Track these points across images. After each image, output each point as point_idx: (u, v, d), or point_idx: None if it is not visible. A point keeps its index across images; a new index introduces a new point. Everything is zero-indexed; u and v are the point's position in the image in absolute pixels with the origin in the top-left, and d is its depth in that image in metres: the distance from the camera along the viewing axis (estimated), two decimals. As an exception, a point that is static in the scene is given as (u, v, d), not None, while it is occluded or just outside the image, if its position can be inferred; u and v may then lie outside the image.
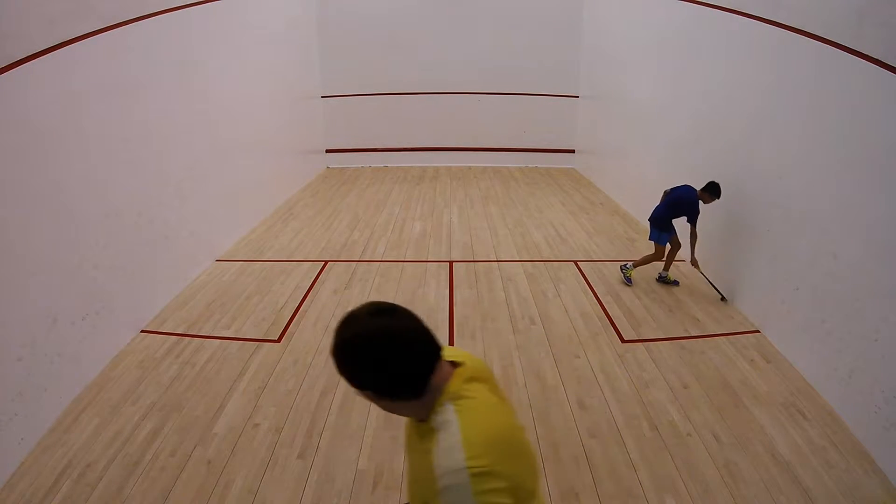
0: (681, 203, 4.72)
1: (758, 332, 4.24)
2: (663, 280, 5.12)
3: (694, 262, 4.83)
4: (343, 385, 3.57)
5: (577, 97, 9.63)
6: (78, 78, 3.53)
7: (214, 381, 3.63)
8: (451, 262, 5.63)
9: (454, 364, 1.18)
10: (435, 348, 1.11)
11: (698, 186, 4.69)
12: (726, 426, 3.19)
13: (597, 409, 3.35)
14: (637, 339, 4.17)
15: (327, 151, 10.06)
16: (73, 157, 3.50)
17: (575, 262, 5.62)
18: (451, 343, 4.08)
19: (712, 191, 4.58)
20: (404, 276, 5.29)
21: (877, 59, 3.11)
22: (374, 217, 7.16)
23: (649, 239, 5.03)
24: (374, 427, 3.20)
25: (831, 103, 3.52)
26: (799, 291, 3.80)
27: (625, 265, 5.16)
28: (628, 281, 5.07)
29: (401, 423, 3.26)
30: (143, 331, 4.24)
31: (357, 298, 4.79)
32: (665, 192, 4.99)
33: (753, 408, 3.36)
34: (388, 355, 1.05)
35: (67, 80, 3.43)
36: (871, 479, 2.82)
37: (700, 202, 4.65)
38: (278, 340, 4.13)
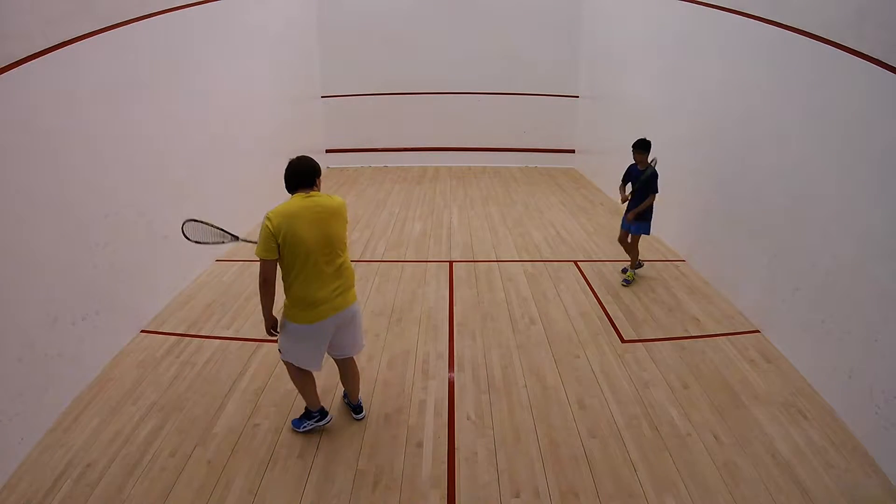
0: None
1: (758, 332, 4.24)
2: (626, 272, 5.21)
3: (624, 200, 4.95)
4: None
5: (577, 97, 9.63)
6: (78, 78, 3.53)
7: (214, 381, 3.63)
8: (451, 262, 5.63)
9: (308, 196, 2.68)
10: (294, 182, 2.70)
11: (699, 187, 4.71)
12: (726, 426, 3.19)
13: (597, 409, 3.35)
14: (637, 339, 4.17)
15: (327, 151, 10.05)
16: (74, 156, 3.50)
17: (575, 262, 5.62)
18: (451, 342, 4.09)
19: (634, 147, 4.76)
20: (404, 276, 5.29)
21: (877, 59, 3.11)
22: (374, 217, 7.16)
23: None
24: (374, 427, 3.20)
25: (831, 103, 3.52)
26: (799, 291, 3.80)
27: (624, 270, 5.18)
28: (626, 283, 5.08)
29: (401, 423, 3.27)
30: (143, 331, 4.24)
31: (357, 298, 4.77)
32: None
33: (753, 408, 3.36)
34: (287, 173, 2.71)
35: (68, 79, 3.43)
36: (871, 479, 2.82)
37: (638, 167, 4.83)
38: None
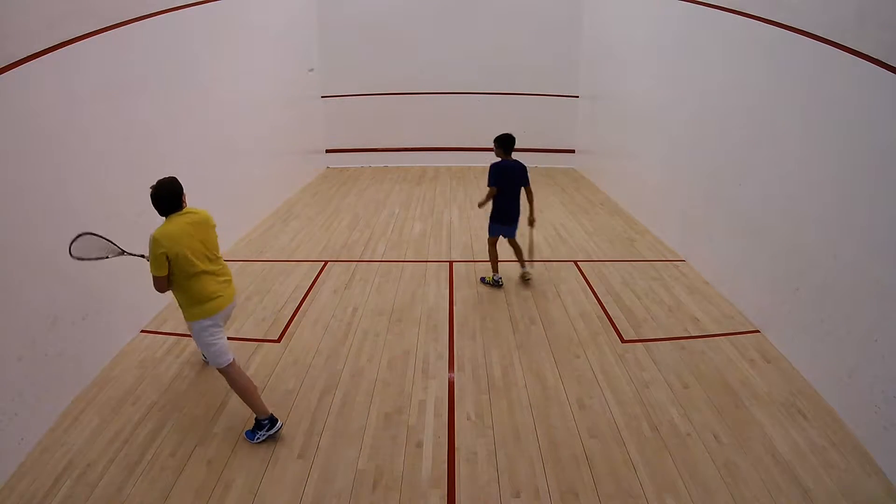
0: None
1: (758, 332, 4.23)
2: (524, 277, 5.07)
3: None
4: (343, 385, 3.58)
5: (577, 97, 9.63)
6: (78, 78, 3.53)
7: (214, 380, 3.63)
8: (451, 262, 5.63)
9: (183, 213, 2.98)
10: (167, 209, 2.94)
11: (699, 186, 4.70)
12: (726, 426, 3.19)
13: (597, 409, 3.35)
14: (637, 339, 4.17)
15: (327, 151, 10.06)
16: (74, 157, 3.50)
17: (575, 262, 5.62)
18: (451, 342, 4.09)
19: (496, 144, 4.80)
20: (404, 276, 5.29)
21: (877, 60, 3.11)
22: (374, 217, 7.16)
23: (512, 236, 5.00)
24: (374, 427, 3.20)
25: (831, 103, 3.52)
26: (799, 291, 3.80)
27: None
28: (488, 282, 5.04)
29: (401, 423, 3.26)
30: (143, 331, 4.24)
31: (357, 298, 4.79)
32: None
33: (753, 408, 3.36)
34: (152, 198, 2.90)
35: (68, 80, 3.44)
36: (871, 479, 2.82)
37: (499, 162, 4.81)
38: (278, 340, 4.13)
